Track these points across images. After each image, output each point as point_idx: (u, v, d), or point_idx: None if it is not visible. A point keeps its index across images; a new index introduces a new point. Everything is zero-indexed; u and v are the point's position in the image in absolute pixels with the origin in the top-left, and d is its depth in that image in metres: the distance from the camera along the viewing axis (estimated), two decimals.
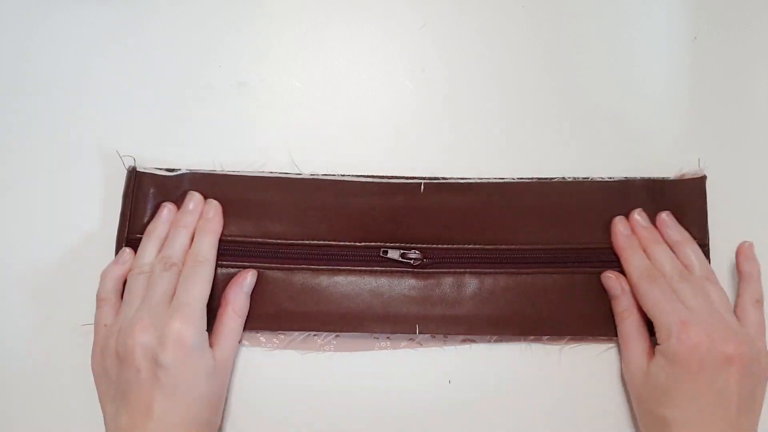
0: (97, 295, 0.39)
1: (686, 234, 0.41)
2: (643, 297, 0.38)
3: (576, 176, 0.42)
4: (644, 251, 0.40)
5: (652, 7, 0.46)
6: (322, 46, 0.45)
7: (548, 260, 0.41)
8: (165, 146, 0.43)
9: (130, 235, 0.40)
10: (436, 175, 0.42)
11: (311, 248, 0.40)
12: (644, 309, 0.38)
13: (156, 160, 0.42)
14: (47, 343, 0.40)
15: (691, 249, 0.40)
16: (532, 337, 0.41)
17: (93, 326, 0.38)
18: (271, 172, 0.41)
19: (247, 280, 0.39)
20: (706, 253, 0.41)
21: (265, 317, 0.40)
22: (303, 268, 0.40)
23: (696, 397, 0.35)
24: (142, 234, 0.40)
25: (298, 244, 0.40)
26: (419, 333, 0.40)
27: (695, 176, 0.42)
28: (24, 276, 0.41)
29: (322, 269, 0.40)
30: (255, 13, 0.45)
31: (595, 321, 0.40)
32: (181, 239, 0.39)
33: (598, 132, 0.44)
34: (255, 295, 0.40)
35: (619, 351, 0.40)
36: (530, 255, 0.41)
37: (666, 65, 0.45)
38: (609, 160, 0.43)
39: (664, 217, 0.41)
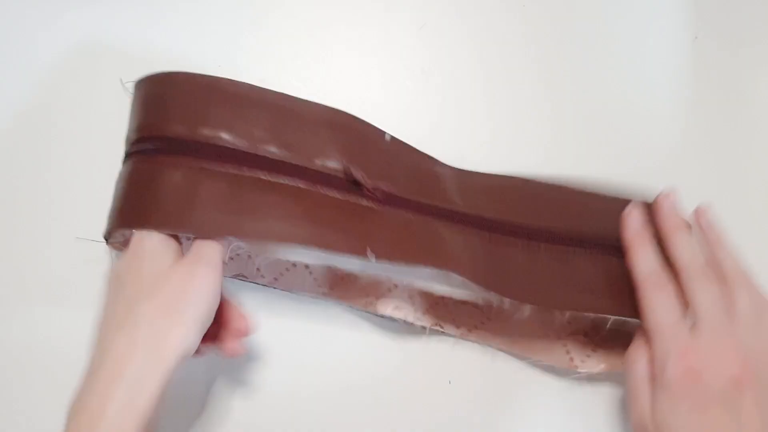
0: None
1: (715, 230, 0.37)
2: (645, 307, 0.34)
3: (574, 178, 0.41)
4: (661, 243, 0.36)
5: (651, 7, 0.46)
6: (323, 46, 0.45)
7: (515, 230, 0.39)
8: None
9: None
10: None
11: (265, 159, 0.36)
12: (642, 320, 0.35)
13: None
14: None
15: (720, 246, 0.36)
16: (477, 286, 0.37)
17: None
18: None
19: None
20: None
21: (200, 222, 0.35)
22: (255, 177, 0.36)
23: None
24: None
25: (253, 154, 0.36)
26: (369, 254, 0.35)
27: None
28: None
29: (276, 182, 0.35)
30: (255, 13, 0.45)
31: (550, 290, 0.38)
32: None
33: (597, 132, 0.44)
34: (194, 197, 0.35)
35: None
36: (502, 225, 0.39)
37: (666, 65, 0.45)
38: (609, 160, 0.43)
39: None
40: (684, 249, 0.35)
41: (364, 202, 0.36)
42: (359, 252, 0.35)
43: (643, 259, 0.36)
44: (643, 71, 0.45)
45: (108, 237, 0.38)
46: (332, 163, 0.36)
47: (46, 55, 0.44)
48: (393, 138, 0.39)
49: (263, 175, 0.36)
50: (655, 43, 0.46)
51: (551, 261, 0.38)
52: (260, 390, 0.40)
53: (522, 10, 0.46)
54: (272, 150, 0.36)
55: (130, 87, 0.41)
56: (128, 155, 0.38)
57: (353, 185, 0.36)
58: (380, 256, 0.35)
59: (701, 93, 0.45)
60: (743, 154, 0.44)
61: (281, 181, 0.36)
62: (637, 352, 0.35)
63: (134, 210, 0.35)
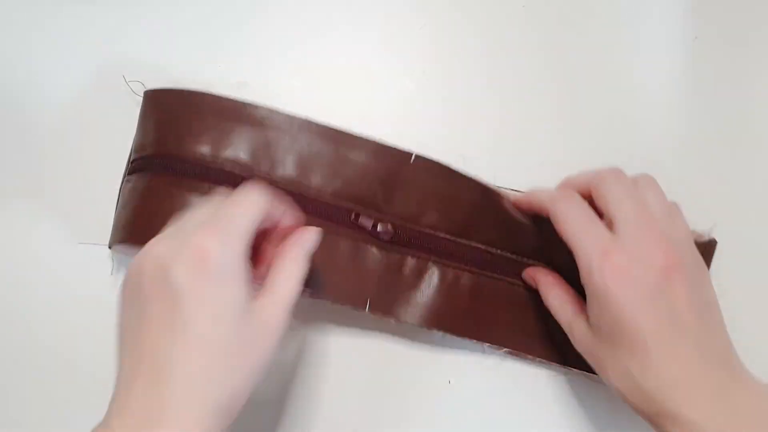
0: None
1: None
2: (559, 222, 0.33)
3: None
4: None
5: (652, 7, 0.46)
6: (323, 46, 0.45)
7: (517, 271, 0.39)
8: None
9: (136, 155, 0.38)
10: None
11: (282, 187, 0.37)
12: (564, 239, 0.33)
13: None
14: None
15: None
16: (474, 341, 0.40)
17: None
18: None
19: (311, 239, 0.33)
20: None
21: None
22: None
23: (648, 328, 0.30)
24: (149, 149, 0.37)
25: (269, 179, 0.37)
26: (368, 311, 0.37)
27: (706, 240, 0.40)
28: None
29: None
30: (255, 13, 0.45)
31: (545, 344, 0.39)
32: None
33: (597, 133, 0.44)
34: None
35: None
36: (500, 261, 0.39)
37: (666, 65, 0.45)
38: (609, 161, 0.43)
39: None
40: (582, 174, 0.35)
41: (372, 240, 0.38)
42: (359, 304, 0.37)
43: (540, 194, 0.36)
44: (643, 71, 0.45)
45: (112, 246, 0.38)
46: (348, 197, 0.38)
47: (46, 59, 0.44)
48: (418, 157, 0.39)
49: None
50: (656, 42, 0.45)
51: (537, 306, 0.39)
52: (259, 390, 0.41)
53: (522, 10, 0.45)
54: (288, 176, 0.37)
55: (134, 86, 0.41)
56: (141, 169, 0.38)
57: (364, 230, 0.38)
58: (375, 310, 0.38)
59: (701, 93, 0.45)
60: (743, 154, 0.44)
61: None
62: (557, 299, 0.35)
63: (147, 228, 0.35)
